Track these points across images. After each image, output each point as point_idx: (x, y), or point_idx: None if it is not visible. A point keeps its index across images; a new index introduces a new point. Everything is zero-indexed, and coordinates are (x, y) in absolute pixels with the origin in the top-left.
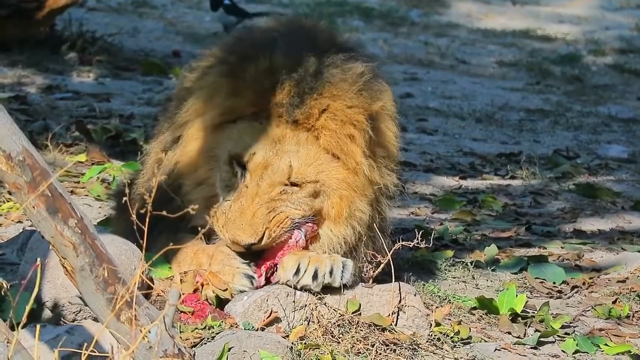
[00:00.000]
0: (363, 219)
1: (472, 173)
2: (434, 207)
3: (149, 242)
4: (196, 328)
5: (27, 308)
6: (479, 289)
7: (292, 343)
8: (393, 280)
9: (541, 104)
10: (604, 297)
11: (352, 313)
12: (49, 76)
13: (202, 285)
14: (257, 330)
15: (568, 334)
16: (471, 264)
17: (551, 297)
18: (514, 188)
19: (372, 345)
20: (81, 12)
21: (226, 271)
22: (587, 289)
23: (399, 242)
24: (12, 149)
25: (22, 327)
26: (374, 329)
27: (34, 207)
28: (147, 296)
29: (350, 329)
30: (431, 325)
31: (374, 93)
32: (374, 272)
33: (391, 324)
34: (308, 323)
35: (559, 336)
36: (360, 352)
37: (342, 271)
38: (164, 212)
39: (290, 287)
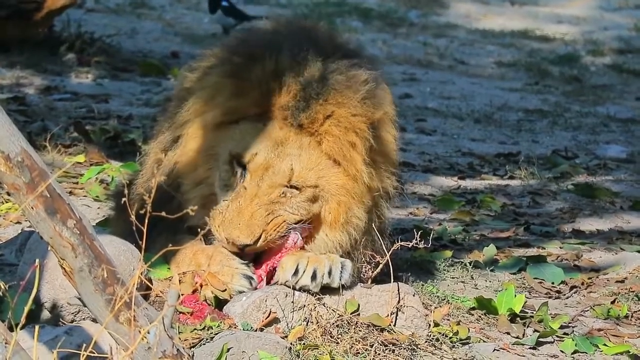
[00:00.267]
0: (359, 226)
1: (471, 173)
2: (433, 208)
3: (148, 242)
4: (195, 329)
5: (26, 309)
6: (477, 289)
7: (291, 343)
8: (392, 280)
9: (540, 104)
10: (602, 297)
11: (351, 313)
12: (47, 77)
13: (201, 285)
14: (255, 330)
15: (567, 334)
16: (470, 264)
17: (550, 297)
18: (513, 188)
19: (371, 346)
20: (79, 13)
21: (225, 272)
22: (585, 289)
23: (398, 242)
24: (11, 149)
25: (21, 328)
26: (373, 330)
27: (32, 208)
28: (146, 297)
29: (349, 329)
30: (430, 325)
31: (377, 101)
32: (372, 272)
33: (390, 325)
34: (307, 323)
35: (557, 336)
36: (359, 353)
37: (341, 272)
38: (163, 213)
39: (289, 287)
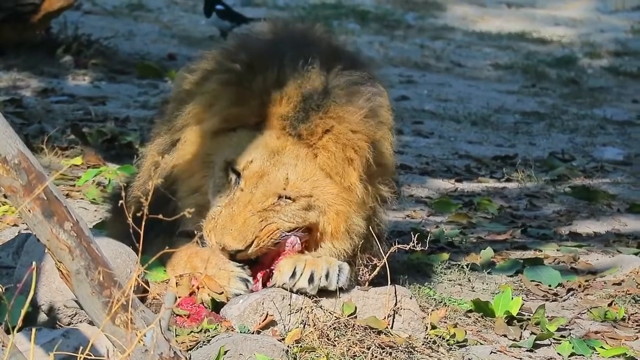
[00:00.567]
0: (359, 232)
1: (468, 176)
2: (430, 210)
3: (144, 245)
4: (192, 331)
5: (23, 311)
6: (474, 291)
7: (288, 346)
8: (389, 283)
9: (537, 107)
10: (599, 299)
11: (348, 316)
12: (44, 79)
13: (198, 288)
14: (253, 333)
15: (564, 336)
16: (467, 267)
17: (547, 300)
18: (510, 191)
19: (368, 348)
20: (77, 15)
21: (221, 275)
22: (582, 291)
23: (395, 245)
24: (8, 152)
25: (18, 331)
26: (370, 332)
27: (29, 211)
28: (142, 299)
29: (346, 332)
30: (427, 328)
31: (379, 120)
32: (370, 275)
33: (387, 327)
34: (304, 326)
35: (554, 339)
36: (356, 355)
37: (338, 275)
38: (160, 216)
39: (286, 290)
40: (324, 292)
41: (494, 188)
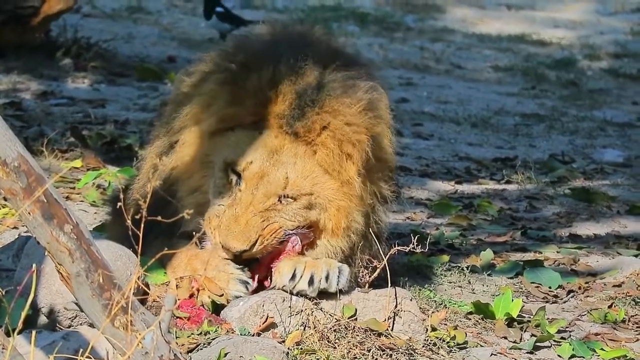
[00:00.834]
0: (358, 229)
1: (468, 178)
2: (430, 212)
3: (144, 247)
4: (192, 333)
5: (23, 314)
6: (475, 293)
7: (289, 348)
8: (389, 285)
9: (536, 109)
10: (599, 301)
11: (348, 318)
12: (44, 82)
13: (198, 290)
14: (253, 335)
15: (564, 338)
16: (467, 269)
17: (547, 302)
18: (510, 192)
19: (368, 351)
20: (76, 18)
21: (221, 277)
22: (582, 293)
23: (395, 247)
24: (8, 155)
25: (18, 333)
26: (370, 334)
27: (29, 213)
28: (142, 302)
29: (346, 334)
30: (427, 330)
31: (378, 113)
32: (370, 277)
33: (387, 329)
34: (304, 328)
35: (555, 341)
36: (356, 357)
37: (338, 276)
38: (159, 218)
39: (287, 292)
40: (324, 294)
41: (494, 190)
